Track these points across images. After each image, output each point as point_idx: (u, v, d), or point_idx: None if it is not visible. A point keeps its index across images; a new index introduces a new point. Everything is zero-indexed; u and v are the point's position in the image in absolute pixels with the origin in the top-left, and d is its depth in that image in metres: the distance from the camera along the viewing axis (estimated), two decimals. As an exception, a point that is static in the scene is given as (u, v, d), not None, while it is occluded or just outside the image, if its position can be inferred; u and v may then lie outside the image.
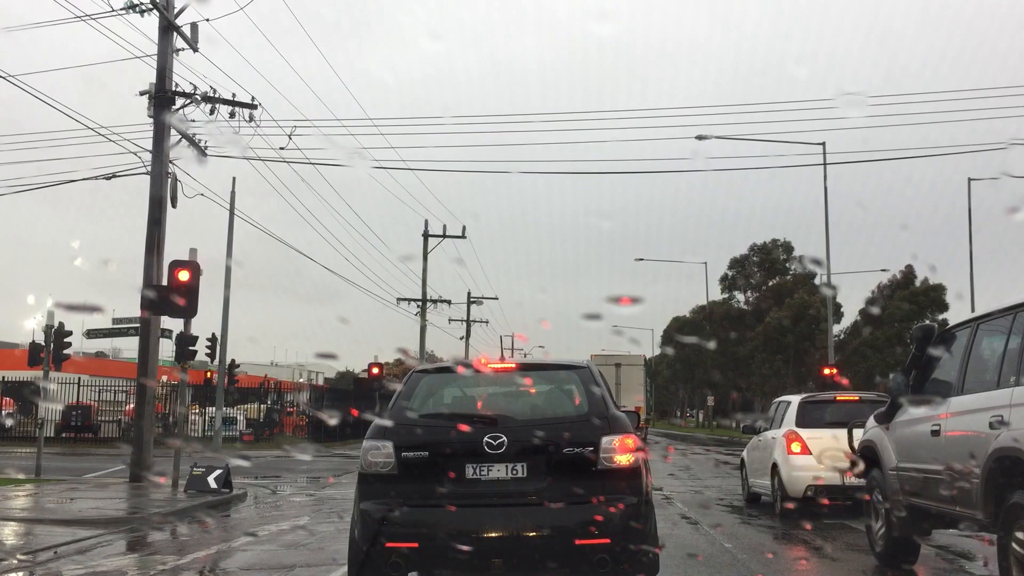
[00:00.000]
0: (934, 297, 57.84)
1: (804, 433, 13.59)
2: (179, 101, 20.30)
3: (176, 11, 19.84)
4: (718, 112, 70.09)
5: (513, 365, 8.07)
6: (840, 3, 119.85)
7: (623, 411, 7.32)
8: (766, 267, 74.03)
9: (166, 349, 24.63)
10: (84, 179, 22.62)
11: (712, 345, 67.38)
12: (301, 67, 75.97)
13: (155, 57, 19.80)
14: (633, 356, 43.34)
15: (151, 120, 19.96)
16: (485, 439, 6.67)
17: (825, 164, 32.92)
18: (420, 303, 45.47)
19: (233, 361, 37.24)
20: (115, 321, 32.63)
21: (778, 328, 63.06)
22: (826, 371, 34.58)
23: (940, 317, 54.12)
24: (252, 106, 21.65)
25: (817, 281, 65.33)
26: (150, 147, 19.88)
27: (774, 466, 13.97)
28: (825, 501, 12.93)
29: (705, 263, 58.93)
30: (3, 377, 40.41)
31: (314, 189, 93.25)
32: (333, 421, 40.73)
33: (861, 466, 9.78)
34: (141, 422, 19.49)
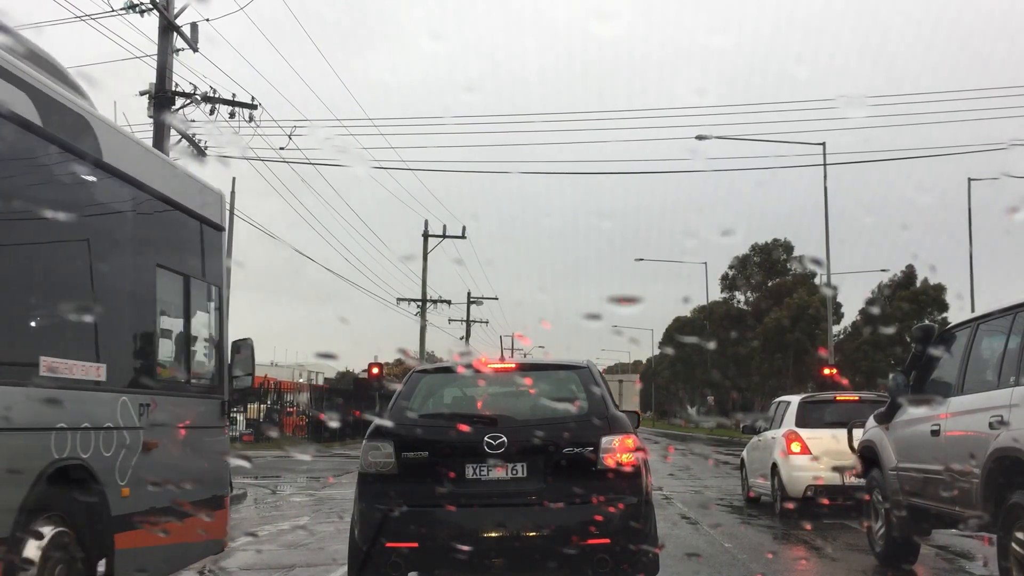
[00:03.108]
0: (935, 297, 57.88)
1: (804, 433, 13.59)
2: (179, 101, 20.31)
3: (176, 11, 19.84)
4: (718, 112, 70.03)
5: (513, 365, 8.07)
6: (840, 4, 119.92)
7: (624, 411, 7.33)
8: (766, 267, 74.10)
9: (166, 349, 24.58)
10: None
11: (712, 345, 67.34)
12: (301, 67, 76.05)
13: (155, 57, 19.80)
14: (630, 375, 55.31)
15: (151, 120, 19.95)
16: (485, 439, 6.68)
17: (825, 164, 32.85)
18: (420, 303, 45.46)
19: (233, 361, 37.14)
20: (115, 321, 32.56)
21: (778, 328, 63.09)
22: (826, 371, 34.53)
23: (940, 317, 54.13)
24: (252, 106, 21.66)
25: (817, 281, 65.47)
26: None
27: (774, 466, 13.96)
28: (825, 501, 12.93)
29: (705, 263, 58.85)
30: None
31: (314, 189, 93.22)
32: (333, 423, 40.70)
33: (860, 466, 9.79)
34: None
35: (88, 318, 5.93)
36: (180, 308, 7.44)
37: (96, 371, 5.91)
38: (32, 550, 5.11)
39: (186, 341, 7.54)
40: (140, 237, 6.76)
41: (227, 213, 8.21)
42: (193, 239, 7.71)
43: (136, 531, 6.23)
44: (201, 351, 7.87)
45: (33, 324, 5.47)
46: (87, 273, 6.05)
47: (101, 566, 5.87)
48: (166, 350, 7.26)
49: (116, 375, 6.14)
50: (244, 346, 8.28)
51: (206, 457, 7.74)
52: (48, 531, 5.27)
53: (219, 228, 8.19)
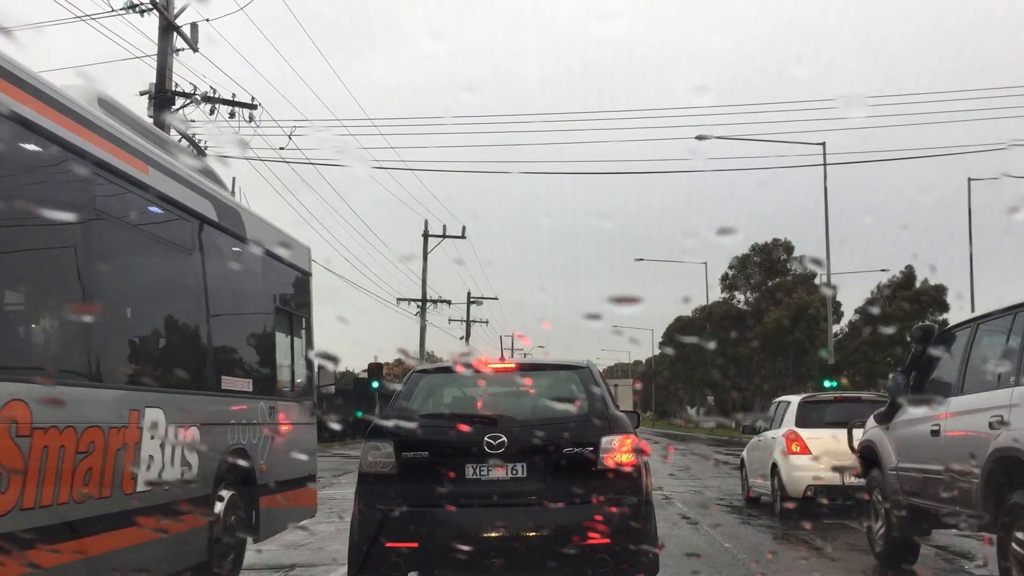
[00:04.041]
0: (936, 297, 57.88)
1: (804, 433, 13.59)
2: (179, 101, 20.33)
3: (176, 11, 19.85)
4: (718, 112, 69.97)
5: (513, 365, 8.07)
6: (840, 3, 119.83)
7: (624, 411, 7.32)
8: (766, 267, 74.07)
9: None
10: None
11: (712, 345, 67.30)
12: (301, 67, 76.09)
13: (155, 57, 19.81)
14: (625, 380, 57.11)
15: (151, 120, 19.97)
16: (485, 439, 6.68)
17: (825, 164, 32.85)
18: (420, 303, 45.45)
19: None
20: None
21: (778, 328, 63.06)
22: (828, 381, 33.58)
23: (941, 318, 54.12)
24: (252, 106, 21.68)
25: (817, 281, 65.44)
26: (150, 147, 19.87)
27: (774, 466, 13.97)
28: (825, 501, 12.93)
29: (705, 263, 58.81)
30: None
31: (314, 189, 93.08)
32: (335, 426, 40.70)
33: (860, 466, 9.78)
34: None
35: (245, 348, 8.67)
36: (287, 336, 9.88)
37: (247, 384, 8.36)
38: (219, 505, 7.53)
39: (291, 360, 9.97)
40: (268, 288, 9.32)
41: (312, 262, 10.89)
42: (293, 285, 10.21)
43: (269, 496, 8.66)
44: (299, 367, 10.22)
45: (217, 353, 7.87)
46: (247, 317, 8.81)
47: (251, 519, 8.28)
48: (280, 367, 9.64)
49: (257, 386, 8.58)
50: (327, 363, 10.78)
51: (305, 445, 10.08)
52: (227, 493, 7.67)
53: (307, 274, 10.62)
